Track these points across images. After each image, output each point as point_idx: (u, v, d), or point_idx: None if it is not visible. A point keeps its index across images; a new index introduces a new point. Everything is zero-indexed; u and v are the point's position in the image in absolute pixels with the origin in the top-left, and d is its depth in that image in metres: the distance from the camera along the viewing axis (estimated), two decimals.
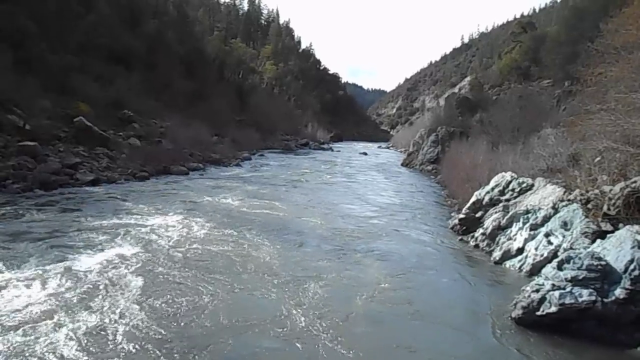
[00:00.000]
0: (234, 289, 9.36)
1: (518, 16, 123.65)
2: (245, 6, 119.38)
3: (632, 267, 8.39)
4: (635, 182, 10.57)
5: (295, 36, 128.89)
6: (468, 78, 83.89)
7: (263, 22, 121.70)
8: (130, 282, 9.27)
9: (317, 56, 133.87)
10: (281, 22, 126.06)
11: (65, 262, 10.08)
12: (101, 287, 8.93)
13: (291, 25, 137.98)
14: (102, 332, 7.24)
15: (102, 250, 11.13)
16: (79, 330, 7.24)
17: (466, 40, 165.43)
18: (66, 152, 22.84)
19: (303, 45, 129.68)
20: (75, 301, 8.22)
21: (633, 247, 8.65)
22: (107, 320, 7.61)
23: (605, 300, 8.24)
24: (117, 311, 7.96)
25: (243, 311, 8.37)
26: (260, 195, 20.82)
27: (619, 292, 8.25)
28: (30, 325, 7.24)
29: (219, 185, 23.15)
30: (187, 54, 50.68)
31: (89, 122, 25.85)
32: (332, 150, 62.34)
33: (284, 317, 8.29)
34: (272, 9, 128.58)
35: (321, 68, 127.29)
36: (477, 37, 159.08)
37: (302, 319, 8.25)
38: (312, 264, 11.41)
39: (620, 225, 10.11)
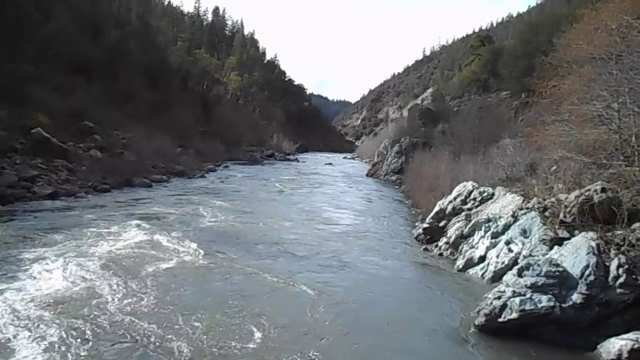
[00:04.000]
0: (197, 307, 9.18)
1: (477, 30, 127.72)
2: (210, 17, 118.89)
3: (587, 272, 8.70)
4: (588, 190, 10.98)
5: (260, 47, 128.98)
6: (430, 89, 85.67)
7: (228, 33, 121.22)
8: (82, 301, 8.96)
9: (283, 67, 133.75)
10: (246, 33, 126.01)
11: (15, 280, 9.68)
12: (50, 304, 8.61)
13: (256, 37, 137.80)
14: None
15: (57, 266, 10.72)
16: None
17: (428, 53, 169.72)
18: (23, 164, 21.98)
19: (268, 57, 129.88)
20: (23, 320, 7.89)
21: (588, 253, 8.98)
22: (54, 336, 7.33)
23: (563, 305, 8.51)
24: (62, 331, 7.68)
25: (205, 327, 8.22)
26: (225, 208, 20.58)
27: (575, 297, 8.54)
28: None
29: (183, 198, 22.76)
30: (150, 64, 49.83)
31: (47, 134, 24.99)
32: (298, 161, 62.40)
33: (247, 331, 8.17)
34: (237, 20, 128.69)
35: (286, 79, 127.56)
36: (438, 49, 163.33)
37: (267, 332, 8.16)
38: (275, 276, 11.32)
39: (576, 232, 10.46)
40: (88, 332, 7.67)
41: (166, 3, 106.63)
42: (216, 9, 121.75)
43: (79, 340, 7.37)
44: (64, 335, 7.47)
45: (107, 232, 14.29)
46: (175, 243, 13.52)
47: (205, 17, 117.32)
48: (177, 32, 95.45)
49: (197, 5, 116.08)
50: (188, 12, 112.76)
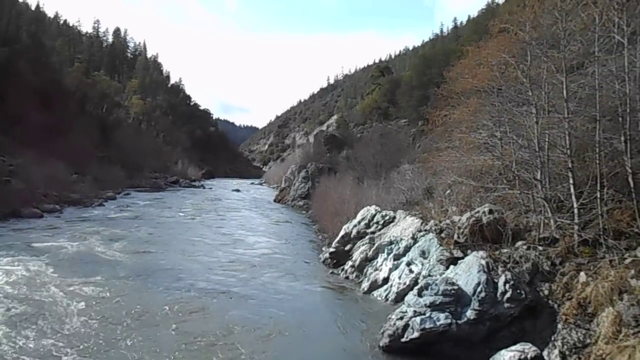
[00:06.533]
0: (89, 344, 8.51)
1: (377, 61, 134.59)
2: (110, 38, 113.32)
3: (479, 289, 9.34)
4: (477, 212, 11.88)
5: (164, 71, 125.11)
6: (335, 116, 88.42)
7: (129, 55, 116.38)
8: None
9: (187, 91, 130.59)
10: (149, 55, 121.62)
11: None
12: None
13: (159, 60, 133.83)
14: None
15: None
16: None
17: (332, 81, 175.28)
18: None
19: (172, 80, 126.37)
20: None
21: (479, 271, 9.66)
22: None
23: (459, 322, 9.03)
24: None
25: None
26: (125, 239, 19.39)
27: (469, 314, 9.11)
28: None
29: (76, 229, 21.07)
30: (42, 85, 46.17)
31: None
32: (204, 188, 60.80)
33: None
34: (139, 42, 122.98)
35: (191, 104, 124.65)
36: (341, 78, 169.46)
37: None
38: (175, 308, 10.87)
39: (469, 251, 11.22)
40: None
41: (62, 22, 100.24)
42: (117, 30, 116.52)
43: None
44: None
45: None
46: (68, 282, 12.47)
47: (105, 38, 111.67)
48: (73, 52, 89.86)
49: (96, 25, 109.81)
50: (86, 33, 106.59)
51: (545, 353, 8.46)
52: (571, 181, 10.39)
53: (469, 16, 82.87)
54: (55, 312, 10.19)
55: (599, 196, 9.80)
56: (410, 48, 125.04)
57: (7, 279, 12.25)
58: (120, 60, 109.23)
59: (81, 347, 8.53)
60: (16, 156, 32.33)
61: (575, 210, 10.23)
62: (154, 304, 11.20)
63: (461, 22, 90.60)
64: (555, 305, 9.08)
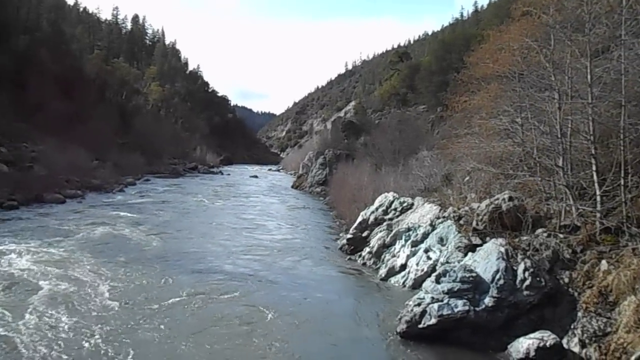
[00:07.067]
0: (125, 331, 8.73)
1: (395, 46, 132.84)
2: (129, 25, 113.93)
3: (497, 276, 9.28)
4: (497, 199, 11.76)
5: (182, 57, 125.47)
6: (352, 103, 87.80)
7: (148, 42, 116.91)
8: None
9: (205, 78, 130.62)
10: (167, 42, 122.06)
11: None
12: None
13: (178, 46, 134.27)
14: None
15: None
16: None
17: (350, 67, 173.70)
18: None
19: (190, 67, 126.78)
20: None
21: (498, 259, 9.59)
22: None
23: (477, 309, 9.00)
24: None
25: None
26: (145, 223, 19.70)
27: (488, 301, 9.07)
28: None
29: (99, 214, 21.50)
30: (63, 72, 46.73)
31: None
32: (222, 174, 61.22)
33: (177, 342, 7.89)
34: (157, 29, 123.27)
35: (210, 90, 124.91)
36: (359, 64, 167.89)
37: (204, 343, 7.92)
38: (202, 290, 11.05)
39: (487, 238, 11.13)
40: None
41: (81, 10, 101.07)
42: (136, 17, 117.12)
43: None
44: None
45: (13, 251, 13.20)
46: (93, 265, 12.76)
47: (124, 25, 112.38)
48: (93, 40, 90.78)
49: (115, 12, 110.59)
50: (105, 20, 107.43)
51: (564, 341, 8.41)
52: (594, 168, 10.19)
53: (490, 0, 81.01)
54: (84, 293, 10.46)
55: (622, 183, 9.62)
56: (430, 33, 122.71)
57: (37, 261, 12.60)
58: (139, 47, 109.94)
59: (110, 326, 8.79)
60: (38, 143, 32.96)
61: (598, 198, 10.05)
62: (180, 286, 11.42)
63: (482, 6, 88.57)
64: (576, 294, 8.99)
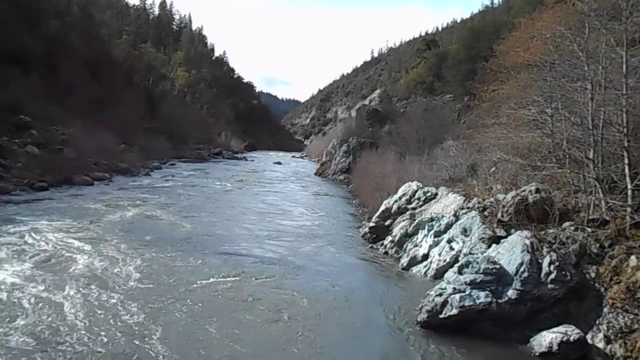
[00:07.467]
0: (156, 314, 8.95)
1: (423, 34, 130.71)
2: (156, 10, 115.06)
3: (522, 269, 9.16)
4: (524, 190, 11.56)
5: (209, 43, 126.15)
6: (378, 91, 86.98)
7: (175, 27, 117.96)
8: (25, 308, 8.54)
9: (231, 64, 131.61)
10: (194, 28, 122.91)
11: None
12: None
13: (204, 32, 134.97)
14: None
15: None
16: None
17: (376, 55, 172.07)
18: None
19: (217, 53, 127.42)
20: None
21: (523, 251, 9.45)
22: None
23: (500, 301, 8.92)
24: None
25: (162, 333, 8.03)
26: (172, 206, 20.08)
27: (511, 293, 8.97)
28: None
29: (126, 196, 21.97)
30: (92, 57, 47.56)
31: None
32: (246, 160, 61.71)
33: (201, 326, 8.06)
34: (184, 15, 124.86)
35: (235, 76, 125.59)
36: (386, 52, 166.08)
37: (232, 326, 8.08)
38: (231, 273, 11.23)
39: (512, 230, 10.98)
40: None
41: None
42: (163, 3, 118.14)
43: None
44: None
45: (46, 229, 13.63)
46: (123, 245, 13.09)
47: (151, 10, 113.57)
48: (121, 25, 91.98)
49: None
50: (133, 5, 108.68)
51: (588, 336, 8.29)
52: (626, 161, 9.92)
53: None
54: (115, 272, 10.78)
55: None
56: (459, 20, 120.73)
57: (69, 239, 13.04)
58: (166, 32, 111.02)
59: (139, 304, 9.03)
60: (68, 126, 33.68)
61: (629, 192, 9.79)
62: (208, 268, 11.66)
63: None
64: (602, 289, 8.82)
